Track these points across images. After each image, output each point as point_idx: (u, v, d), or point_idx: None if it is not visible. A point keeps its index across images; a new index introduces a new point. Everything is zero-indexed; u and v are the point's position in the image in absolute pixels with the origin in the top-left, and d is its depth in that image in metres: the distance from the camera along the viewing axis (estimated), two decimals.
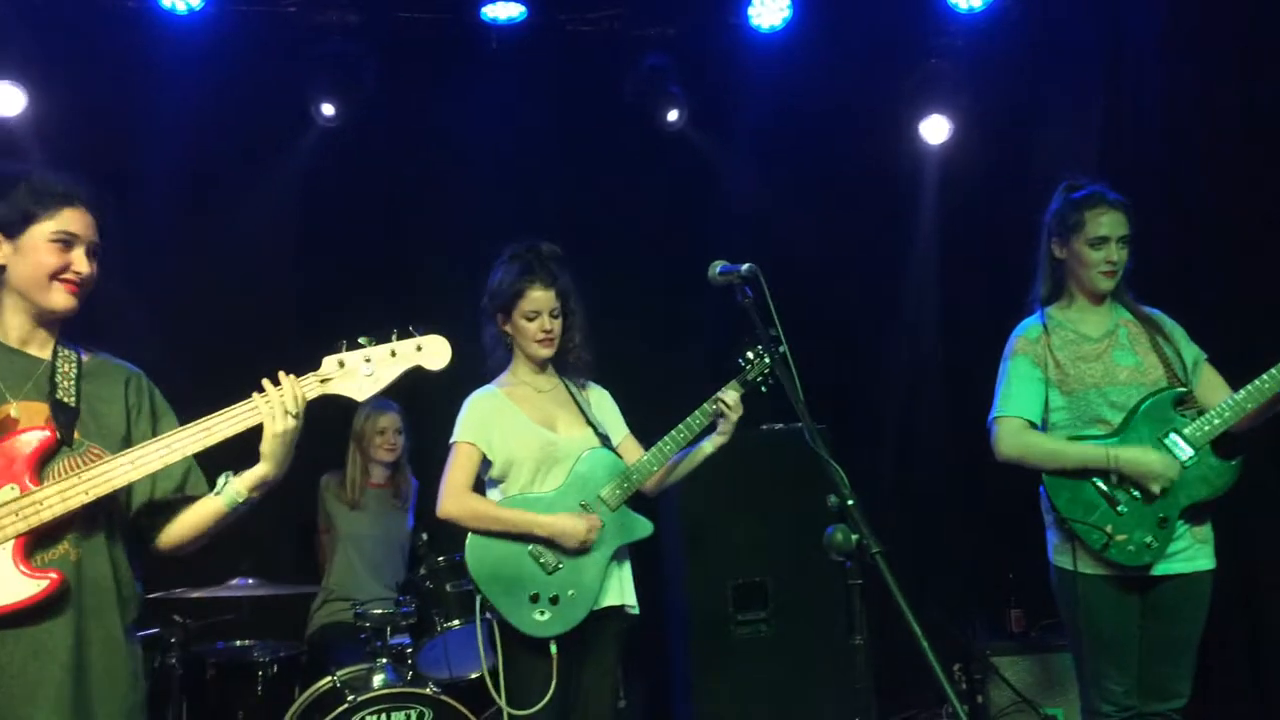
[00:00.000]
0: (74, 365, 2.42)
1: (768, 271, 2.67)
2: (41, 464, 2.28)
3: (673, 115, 5.61)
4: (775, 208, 5.74)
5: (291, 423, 2.31)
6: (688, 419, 3.37)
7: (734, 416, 3.32)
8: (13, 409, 2.31)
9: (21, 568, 2.21)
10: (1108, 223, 3.30)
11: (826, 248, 5.76)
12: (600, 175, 5.65)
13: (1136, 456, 3.16)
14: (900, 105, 5.85)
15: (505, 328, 3.41)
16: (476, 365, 3.49)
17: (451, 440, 3.35)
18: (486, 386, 3.43)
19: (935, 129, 5.85)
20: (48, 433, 2.28)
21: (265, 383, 2.33)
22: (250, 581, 4.22)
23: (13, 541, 2.21)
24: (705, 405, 3.37)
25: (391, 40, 5.33)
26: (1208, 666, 3.34)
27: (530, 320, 3.35)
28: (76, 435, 2.34)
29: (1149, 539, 3.16)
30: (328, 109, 5.23)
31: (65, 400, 2.35)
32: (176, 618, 4.17)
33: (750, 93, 5.65)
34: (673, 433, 3.37)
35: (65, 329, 2.46)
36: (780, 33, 5.51)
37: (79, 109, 4.89)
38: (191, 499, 2.47)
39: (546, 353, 3.40)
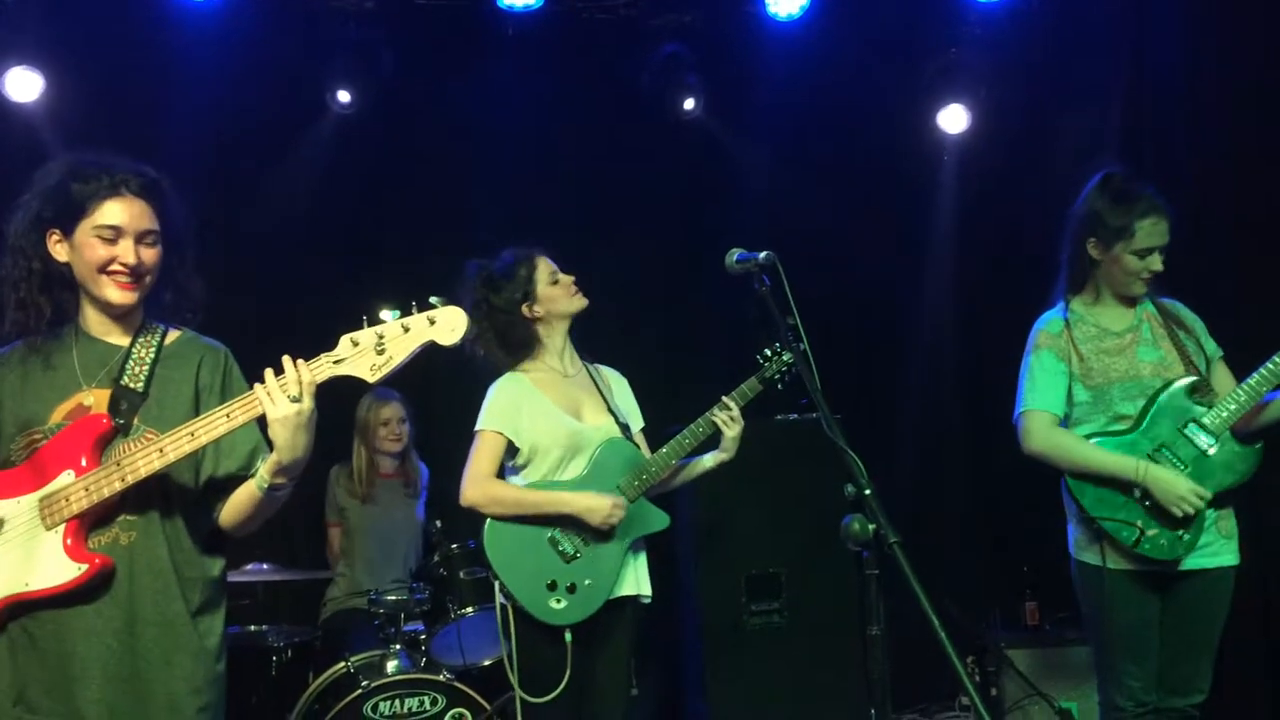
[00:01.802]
0: (152, 350, 2.41)
1: (784, 261, 2.65)
2: (100, 449, 2.29)
3: (689, 104, 5.59)
4: (791, 197, 5.71)
5: (291, 407, 2.22)
6: (703, 415, 3.39)
7: (736, 428, 3.38)
8: (87, 397, 2.34)
9: (67, 551, 2.23)
10: (1159, 233, 3.20)
11: (843, 237, 5.73)
12: (616, 164, 5.63)
13: (1167, 482, 3.09)
14: (918, 95, 5.81)
15: (535, 310, 3.39)
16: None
17: (477, 428, 3.31)
18: (511, 372, 3.39)
19: (954, 119, 5.80)
20: (103, 419, 2.30)
21: (282, 363, 2.27)
22: (265, 566, 4.24)
23: (63, 525, 2.23)
24: (720, 401, 3.40)
25: (408, 27, 5.33)
26: (1226, 662, 3.31)
27: (555, 283, 3.39)
28: (136, 420, 2.33)
29: (1180, 531, 3.13)
30: (344, 96, 5.23)
31: (131, 386, 2.35)
32: None
33: (767, 81, 5.61)
34: (690, 427, 3.39)
35: (150, 312, 2.45)
36: (797, 21, 5.47)
37: (95, 95, 4.90)
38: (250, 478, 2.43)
39: (583, 301, 3.42)
